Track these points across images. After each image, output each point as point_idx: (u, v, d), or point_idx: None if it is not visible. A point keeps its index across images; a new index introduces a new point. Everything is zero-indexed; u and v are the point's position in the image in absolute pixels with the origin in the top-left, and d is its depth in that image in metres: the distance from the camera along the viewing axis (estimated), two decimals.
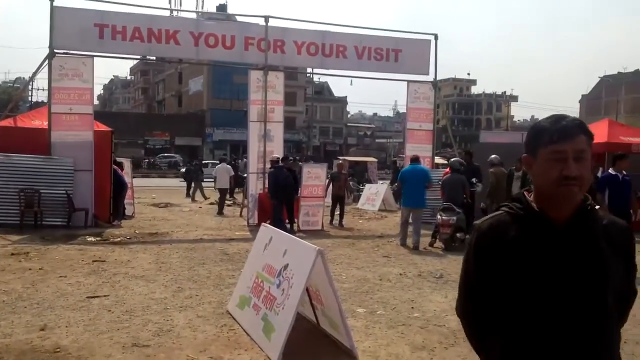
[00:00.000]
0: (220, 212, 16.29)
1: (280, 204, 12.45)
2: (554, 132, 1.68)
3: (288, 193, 12.55)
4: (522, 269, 1.69)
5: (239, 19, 17.92)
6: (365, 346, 5.15)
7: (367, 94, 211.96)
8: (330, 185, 14.74)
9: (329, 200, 14.48)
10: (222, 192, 17.52)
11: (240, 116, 41.24)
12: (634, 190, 9.39)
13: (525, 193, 1.80)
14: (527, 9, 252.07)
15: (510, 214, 1.78)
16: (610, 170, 9.02)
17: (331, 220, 14.31)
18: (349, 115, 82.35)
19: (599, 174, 10.43)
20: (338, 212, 14.29)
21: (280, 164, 12.89)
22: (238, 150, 47.67)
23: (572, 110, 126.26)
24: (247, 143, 14.25)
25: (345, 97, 74.90)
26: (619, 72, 78.76)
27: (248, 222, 13.58)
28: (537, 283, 1.67)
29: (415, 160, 11.64)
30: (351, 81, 37.87)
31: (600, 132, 14.51)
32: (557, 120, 1.72)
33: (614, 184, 8.76)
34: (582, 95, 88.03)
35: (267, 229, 6.31)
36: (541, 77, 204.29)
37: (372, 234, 12.89)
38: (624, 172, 8.85)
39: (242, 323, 5.58)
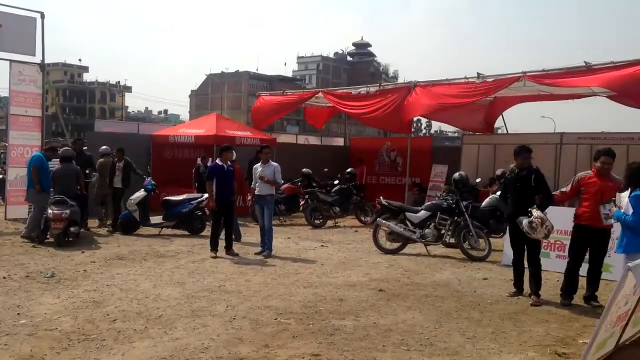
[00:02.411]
0: None
1: None
2: None
3: None
4: None
5: None
6: None
7: None
8: None
9: None
10: None
11: None
12: (237, 179, 10.47)
13: None
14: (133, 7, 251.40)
15: None
16: (218, 161, 9.86)
17: None
18: None
19: (209, 164, 11.30)
20: None
21: None
22: None
23: (184, 104, 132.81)
24: None
25: None
26: (222, 72, 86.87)
27: None
28: None
29: (50, 149, 11.71)
30: None
31: (209, 125, 15.78)
32: None
33: (220, 174, 9.62)
34: (192, 91, 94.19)
35: None
36: (155, 70, 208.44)
37: None
38: (229, 163, 9.79)
39: None
